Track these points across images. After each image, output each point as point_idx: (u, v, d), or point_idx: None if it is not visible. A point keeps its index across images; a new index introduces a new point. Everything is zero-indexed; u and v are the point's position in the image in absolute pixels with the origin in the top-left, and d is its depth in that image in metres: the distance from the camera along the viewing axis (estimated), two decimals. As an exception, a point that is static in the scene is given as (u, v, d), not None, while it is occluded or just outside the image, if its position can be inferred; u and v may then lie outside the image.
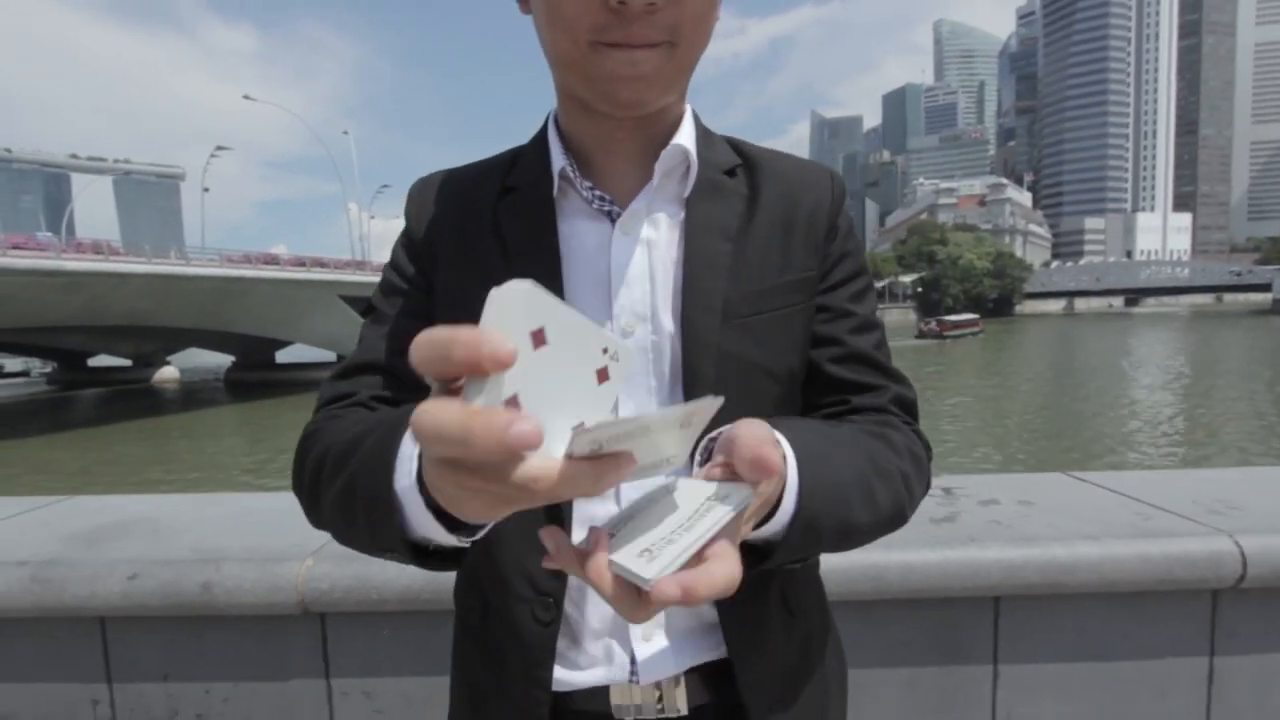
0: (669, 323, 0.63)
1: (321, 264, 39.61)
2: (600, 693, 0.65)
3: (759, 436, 0.44)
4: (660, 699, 0.64)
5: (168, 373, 49.47)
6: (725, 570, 0.39)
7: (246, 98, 39.70)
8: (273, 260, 37.13)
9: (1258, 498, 2.04)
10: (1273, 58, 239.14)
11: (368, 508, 0.47)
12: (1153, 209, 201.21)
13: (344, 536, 0.54)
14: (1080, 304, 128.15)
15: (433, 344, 0.32)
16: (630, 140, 0.64)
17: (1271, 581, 1.76)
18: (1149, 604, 1.83)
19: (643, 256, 0.63)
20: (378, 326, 0.68)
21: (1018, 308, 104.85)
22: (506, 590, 0.65)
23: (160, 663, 1.82)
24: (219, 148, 38.54)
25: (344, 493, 0.50)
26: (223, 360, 50.48)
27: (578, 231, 0.64)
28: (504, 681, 0.66)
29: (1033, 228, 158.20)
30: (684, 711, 0.65)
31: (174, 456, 18.71)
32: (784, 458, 0.49)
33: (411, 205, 0.71)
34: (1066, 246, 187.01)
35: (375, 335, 0.67)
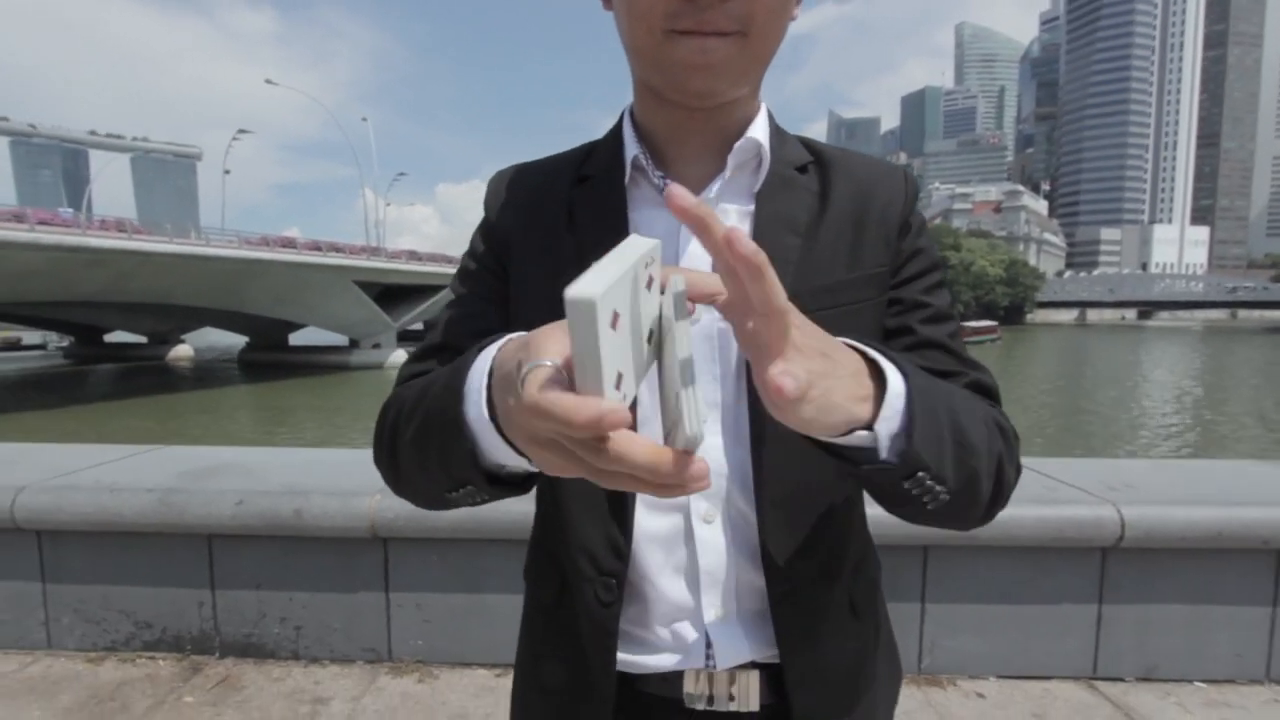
0: None
1: (337, 249, 40.17)
2: (673, 678, 0.65)
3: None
4: (732, 691, 0.64)
5: (182, 350, 50.21)
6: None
7: (269, 82, 40.31)
8: (289, 243, 37.71)
9: (1151, 480, 2.47)
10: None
11: (441, 438, 0.49)
12: (1170, 221, 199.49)
13: (420, 480, 0.56)
14: (1093, 315, 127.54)
15: (549, 416, 0.31)
16: (703, 132, 0.65)
17: (1145, 543, 2.19)
18: (1050, 558, 2.26)
19: None
20: (455, 310, 0.70)
21: (1029, 316, 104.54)
22: (574, 569, 0.65)
23: (254, 574, 2.29)
24: (241, 131, 39.14)
25: (419, 432, 0.53)
26: (236, 340, 51.22)
27: (648, 220, 0.65)
28: (572, 659, 0.67)
29: (1048, 236, 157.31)
30: (754, 707, 0.64)
31: (184, 431, 19.24)
32: (865, 354, 0.47)
33: (490, 195, 0.73)
34: (1081, 256, 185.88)
35: (452, 318, 0.69)
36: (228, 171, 38.16)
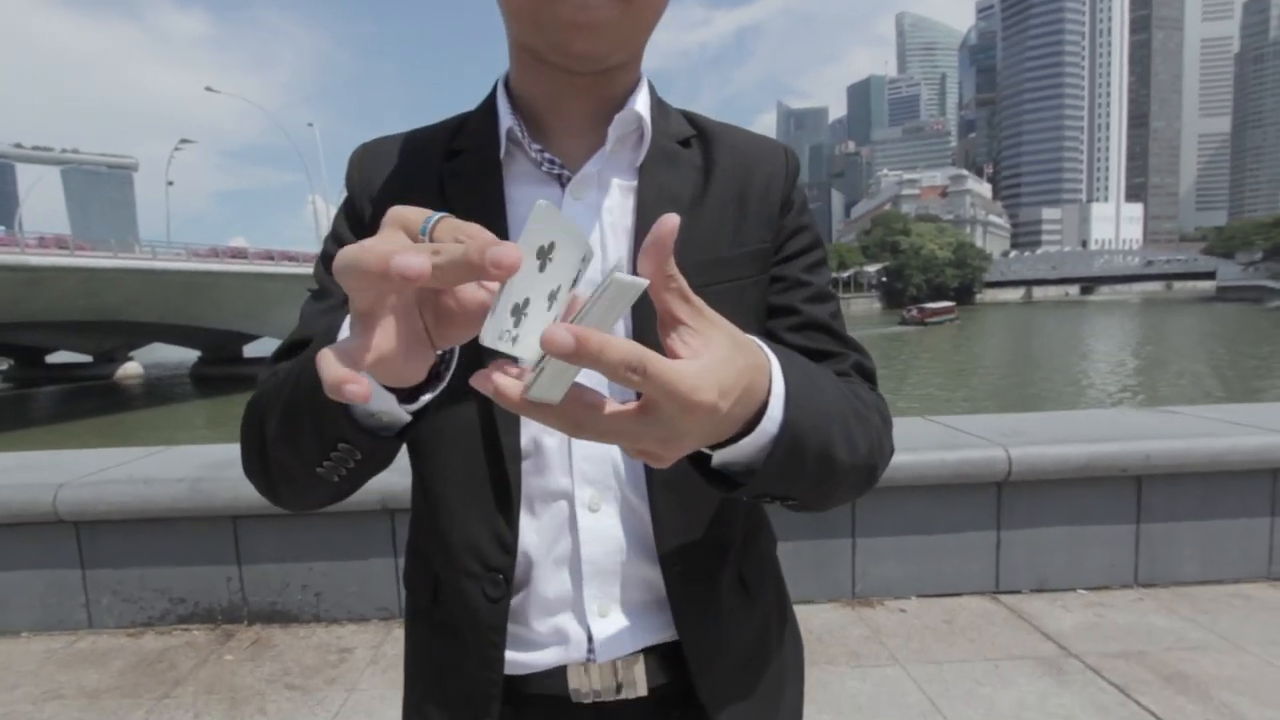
0: None
1: (290, 257, 39.47)
2: (557, 674, 0.63)
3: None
4: (619, 681, 0.63)
5: (131, 368, 48.54)
6: (626, 344, 0.32)
7: (209, 89, 39.13)
8: (240, 254, 36.94)
9: (1036, 428, 2.96)
10: (1219, 53, 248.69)
11: (309, 395, 0.46)
12: (1107, 199, 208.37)
13: (291, 461, 0.52)
14: (1038, 292, 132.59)
15: (452, 259, 0.31)
16: (583, 101, 0.62)
17: (1030, 477, 2.68)
18: (955, 494, 2.73)
19: (593, 223, 0.62)
20: (317, 302, 0.65)
21: (978, 296, 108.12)
22: (455, 567, 0.63)
23: (277, 549, 2.60)
24: (183, 141, 37.97)
25: (288, 402, 0.50)
26: (187, 355, 49.70)
27: (526, 196, 0.62)
28: (456, 662, 0.64)
29: (992, 218, 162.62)
30: (643, 692, 0.63)
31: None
32: (769, 363, 0.45)
33: (353, 171, 0.67)
34: (1025, 236, 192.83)
35: (314, 310, 0.65)
36: (171, 183, 37.03)
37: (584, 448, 0.60)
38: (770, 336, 0.64)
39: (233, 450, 2.94)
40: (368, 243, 0.33)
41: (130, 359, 48.65)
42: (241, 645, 2.48)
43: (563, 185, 0.62)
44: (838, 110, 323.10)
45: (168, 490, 2.49)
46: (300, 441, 0.50)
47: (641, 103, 0.64)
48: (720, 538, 0.66)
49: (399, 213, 0.37)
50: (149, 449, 3.02)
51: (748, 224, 0.65)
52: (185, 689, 2.22)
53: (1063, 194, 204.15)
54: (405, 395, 0.44)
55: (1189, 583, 2.78)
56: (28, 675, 2.33)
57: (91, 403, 31.68)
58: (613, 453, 0.61)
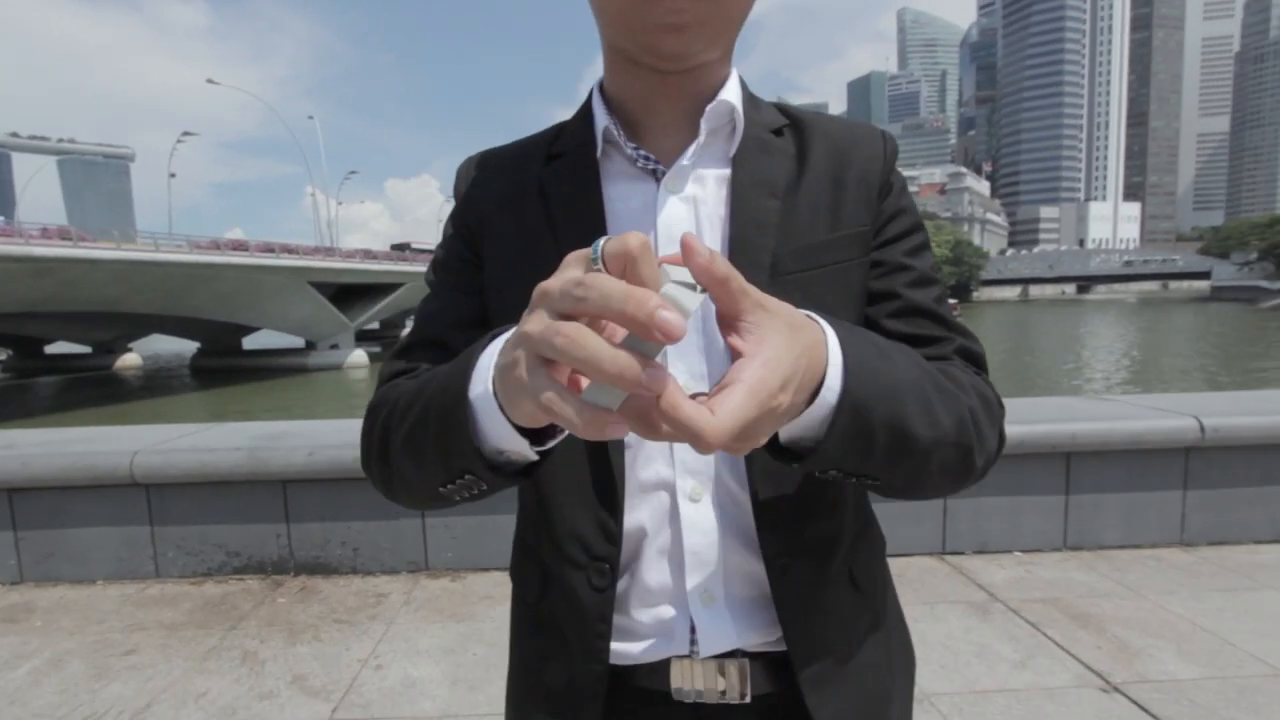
0: None
1: (290, 250, 39.68)
2: (660, 669, 0.62)
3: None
4: (722, 682, 0.61)
5: (130, 359, 48.74)
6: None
7: (210, 81, 39.30)
8: (241, 246, 37.13)
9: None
10: (1219, 52, 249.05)
11: (440, 425, 0.48)
12: (1105, 198, 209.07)
13: (414, 475, 0.55)
14: (1035, 291, 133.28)
15: (604, 292, 0.33)
16: (675, 98, 0.63)
17: (972, 451, 3.08)
18: (908, 468, 3.12)
19: (689, 213, 0.62)
20: (432, 303, 0.69)
21: (975, 294, 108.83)
22: (561, 558, 0.63)
23: (320, 510, 3.00)
24: (185, 134, 38.16)
25: (418, 421, 0.52)
26: (186, 347, 49.94)
27: (623, 193, 0.64)
28: (561, 653, 0.65)
29: (990, 216, 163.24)
30: (745, 698, 0.61)
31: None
32: (824, 334, 0.45)
33: (460, 181, 0.71)
34: (1023, 235, 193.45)
35: (430, 311, 0.68)
36: (173, 175, 37.27)
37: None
38: (871, 323, 0.64)
39: (282, 424, 3.35)
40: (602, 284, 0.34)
41: (129, 350, 48.87)
42: (290, 592, 2.89)
43: (658, 180, 0.64)
44: (838, 106, 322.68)
45: (227, 458, 2.89)
46: (426, 464, 0.52)
47: (733, 94, 0.65)
48: (828, 531, 0.64)
49: (573, 256, 0.38)
50: (209, 424, 3.42)
51: (845, 208, 0.64)
52: (249, 623, 2.63)
53: (1061, 192, 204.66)
54: (534, 436, 0.46)
55: (1111, 547, 3.19)
56: (111, 613, 2.74)
57: (91, 393, 31.94)
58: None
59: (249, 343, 46.73)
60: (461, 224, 0.70)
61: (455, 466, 0.49)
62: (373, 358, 39.97)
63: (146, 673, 2.30)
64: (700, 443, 0.35)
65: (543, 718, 0.67)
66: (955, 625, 2.53)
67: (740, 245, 0.61)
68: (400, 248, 58.08)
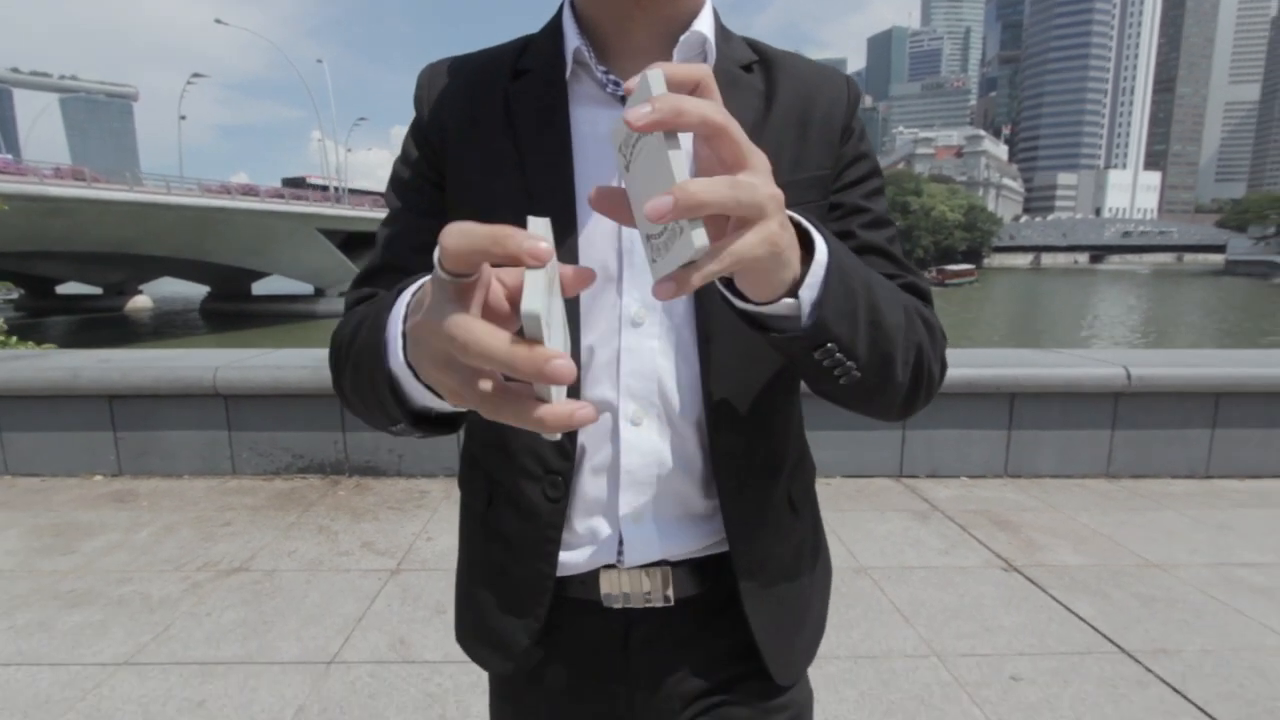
0: None
1: (300, 196, 39.84)
2: (590, 580, 0.67)
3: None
4: (647, 588, 0.66)
5: (140, 301, 49.25)
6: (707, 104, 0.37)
7: (219, 21, 38.81)
8: (251, 191, 37.30)
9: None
10: (1255, 15, 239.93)
11: (371, 384, 0.50)
12: (1125, 166, 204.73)
13: (365, 415, 0.57)
14: (1047, 259, 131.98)
15: (470, 236, 0.34)
16: (648, 22, 0.63)
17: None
18: (873, 403, 3.64)
19: None
20: (393, 226, 0.68)
21: (985, 261, 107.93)
22: (515, 470, 0.66)
23: (371, 422, 3.54)
24: (195, 75, 37.84)
25: (354, 375, 0.55)
26: (195, 290, 50.37)
27: (590, 117, 0.63)
28: (512, 560, 0.68)
29: (1006, 181, 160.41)
30: (669, 601, 0.66)
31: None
32: (802, 220, 0.47)
33: (422, 91, 0.69)
34: (1038, 201, 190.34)
35: (390, 235, 0.68)
36: (183, 117, 37.14)
37: (631, 363, 0.62)
38: None
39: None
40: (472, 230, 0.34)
41: (140, 292, 49.39)
42: (348, 488, 3.45)
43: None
44: (857, 62, 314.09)
45: (295, 375, 3.42)
46: (372, 413, 0.55)
47: (705, 24, 0.64)
48: (774, 458, 0.68)
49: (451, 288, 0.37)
50: (278, 349, 3.95)
51: (808, 150, 0.65)
52: (317, 508, 3.19)
53: (1080, 159, 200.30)
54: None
55: (1045, 476, 3.72)
56: (201, 499, 3.31)
57: (104, 334, 32.54)
58: (659, 372, 0.63)
59: (258, 288, 47.18)
60: (423, 140, 0.69)
61: (390, 416, 0.52)
62: (381, 306, 40.21)
63: (244, 537, 2.87)
64: (677, 199, 0.35)
65: (495, 617, 0.70)
66: (897, 525, 3.07)
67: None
68: (294, 183, 54.72)
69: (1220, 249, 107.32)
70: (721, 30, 0.68)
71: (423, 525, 3.01)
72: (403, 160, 0.70)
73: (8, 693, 1.87)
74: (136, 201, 29.27)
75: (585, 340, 0.62)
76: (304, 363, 3.49)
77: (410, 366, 0.45)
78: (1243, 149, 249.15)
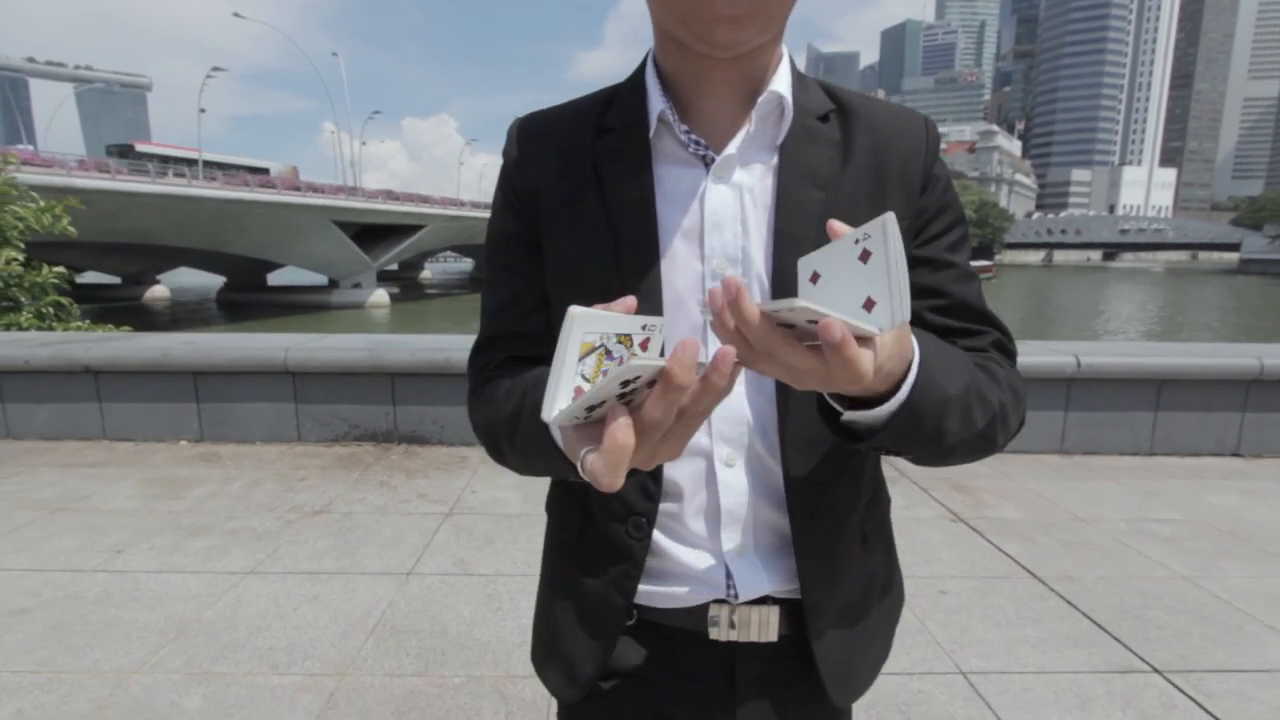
0: (761, 265, 0.65)
1: (315, 189, 40.51)
2: (698, 612, 0.69)
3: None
4: (753, 620, 0.69)
5: (159, 291, 50.06)
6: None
7: (237, 15, 39.49)
8: (269, 184, 37.98)
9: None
10: (1276, 10, 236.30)
11: (547, 462, 0.58)
12: (1140, 163, 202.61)
13: (531, 473, 0.65)
14: (1059, 256, 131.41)
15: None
16: (727, 82, 0.65)
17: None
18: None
19: (735, 201, 0.65)
20: (497, 294, 0.73)
21: (997, 257, 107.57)
22: (604, 509, 0.70)
23: (418, 397, 4.10)
24: (215, 68, 38.54)
25: (527, 453, 0.61)
26: (210, 281, 51.14)
27: (673, 176, 0.66)
28: (593, 589, 0.72)
29: (1019, 178, 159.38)
30: (773, 637, 0.69)
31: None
32: (913, 353, 0.51)
33: (512, 146, 0.72)
34: (1051, 198, 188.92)
35: (498, 305, 0.73)
36: (203, 110, 37.87)
37: (722, 409, 0.66)
38: (915, 316, 0.67)
39: (392, 336, 4.44)
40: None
41: (157, 282, 50.31)
42: (398, 453, 4.01)
43: (707, 165, 0.66)
44: (870, 56, 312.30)
45: (353, 355, 3.98)
46: (539, 469, 0.63)
47: (782, 81, 0.66)
48: (847, 495, 0.71)
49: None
50: (340, 334, 4.52)
51: (886, 201, 0.66)
52: (375, 468, 3.76)
53: (1094, 155, 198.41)
54: None
55: (1005, 452, 4.22)
56: (275, 460, 3.88)
57: (124, 323, 33.25)
58: (746, 415, 0.67)
59: (272, 279, 47.93)
60: (512, 197, 0.71)
61: (560, 474, 0.60)
62: (393, 298, 41.18)
63: (319, 489, 3.44)
64: (829, 337, 0.40)
65: (567, 643, 0.75)
66: (869, 488, 3.60)
67: (784, 236, 0.64)
68: (121, 151, 48.73)
69: (1235, 247, 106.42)
70: (799, 80, 0.69)
71: (466, 482, 3.57)
72: (498, 219, 0.74)
73: (166, 589, 2.44)
74: (159, 193, 29.97)
75: None
76: (361, 345, 4.06)
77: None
78: (1261, 146, 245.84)
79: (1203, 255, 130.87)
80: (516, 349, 0.72)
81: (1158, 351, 4.34)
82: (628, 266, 0.65)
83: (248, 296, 44.34)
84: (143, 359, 4.06)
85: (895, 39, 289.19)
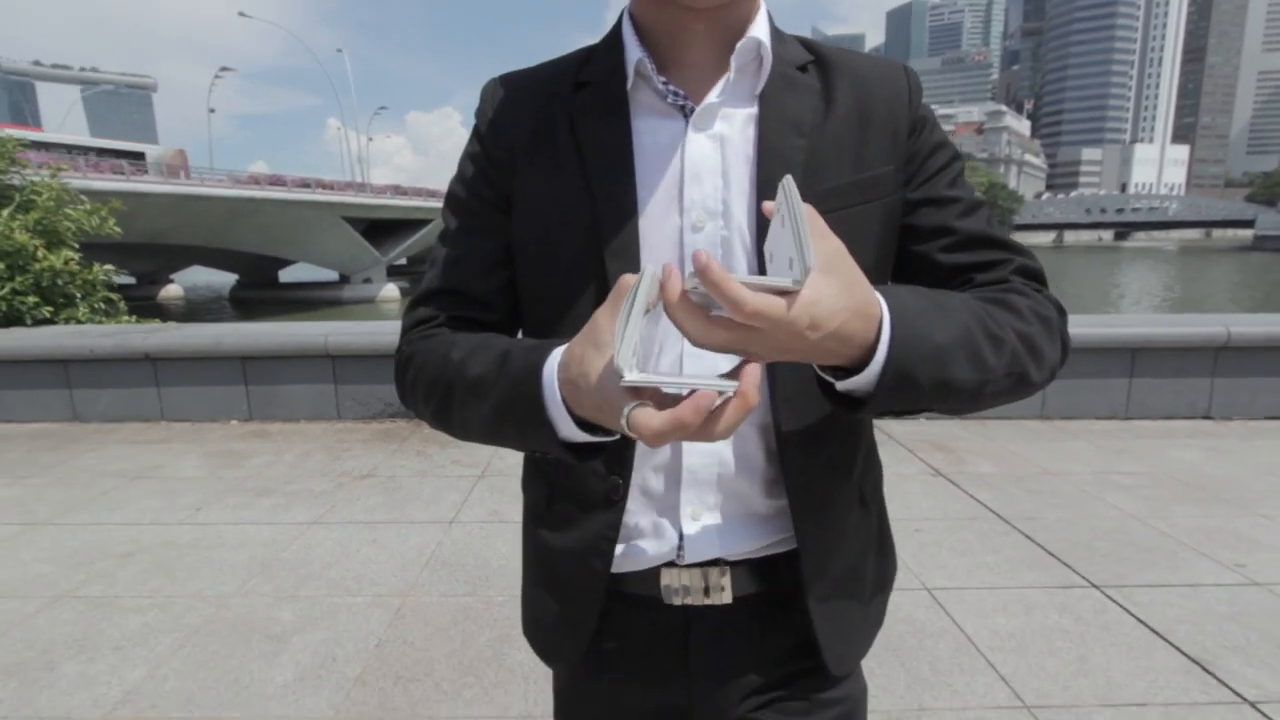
0: (742, 218, 0.63)
1: (324, 185, 40.98)
2: (651, 576, 0.68)
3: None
4: (706, 584, 0.67)
5: (173, 290, 50.77)
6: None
7: (242, 14, 39.83)
8: (279, 181, 38.48)
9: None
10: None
11: (520, 427, 0.57)
12: (1151, 140, 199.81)
13: (481, 440, 0.63)
14: (1069, 236, 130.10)
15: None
16: (705, 33, 0.64)
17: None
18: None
19: (715, 152, 0.63)
20: (452, 248, 0.70)
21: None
22: (575, 474, 0.68)
23: (446, 376, 4.48)
24: (223, 69, 38.97)
25: (493, 418, 0.59)
26: (223, 279, 51.81)
27: (651, 127, 0.65)
28: (568, 556, 0.70)
29: (1029, 158, 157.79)
30: (728, 599, 0.68)
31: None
32: (881, 312, 0.49)
33: (486, 107, 0.70)
34: (1061, 178, 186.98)
35: (451, 259, 0.69)
36: (212, 110, 38.35)
37: (693, 366, 0.63)
38: (924, 260, 0.67)
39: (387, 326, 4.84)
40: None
41: (171, 281, 51.07)
42: (429, 428, 4.39)
43: (686, 116, 0.64)
44: (875, 38, 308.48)
45: (388, 339, 4.36)
46: (505, 440, 0.61)
47: (761, 29, 0.65)
48: (844, 456, 0.70)
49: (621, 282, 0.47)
50: (377, 320, 4.89)
51: (870, 148, 0.65)
52: (411, 440, 4.15)
53: (1105, 134, 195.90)
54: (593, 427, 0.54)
55: (988, 418, 4.55)
56: (320, 435, 4.27)
57: (143, 321, 34.03)
58: (719, 373, 0.62)
59: (284, 276, 48.54)
60: (485, 158, 0.70)
61: (532, 446, 0.59)
62: (403, 292, 41.70)
63: (363, 458, 3.83)
64: (735, 306, 0.41)
65: (551, 615, 0.75)
66: (860, 450, 3.95)
67: (768, 186, 0.62)
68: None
69: (1249, 224, 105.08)
70: (776, 33, 0.68)
71: (494, 449, 3.95)
72: (460, 180, 0.71)
73: (245, 536, 2.84)
74: (173, 193, 30.52)
75: None
76: (395, 330, 4.42)
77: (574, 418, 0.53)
78: (1276, 119, 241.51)
79: (1216, 233, 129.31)
80: (461, 310, 0.70)
81: (1131, 323, 4.65)
82: (604, 220, 0.63)
83: (260, 293, 44.95)
84: (196, 346, 4.46)
85: (901, 19, 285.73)
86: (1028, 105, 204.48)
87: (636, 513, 0.68)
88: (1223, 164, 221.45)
